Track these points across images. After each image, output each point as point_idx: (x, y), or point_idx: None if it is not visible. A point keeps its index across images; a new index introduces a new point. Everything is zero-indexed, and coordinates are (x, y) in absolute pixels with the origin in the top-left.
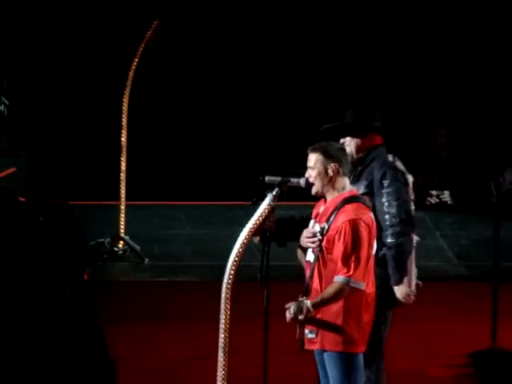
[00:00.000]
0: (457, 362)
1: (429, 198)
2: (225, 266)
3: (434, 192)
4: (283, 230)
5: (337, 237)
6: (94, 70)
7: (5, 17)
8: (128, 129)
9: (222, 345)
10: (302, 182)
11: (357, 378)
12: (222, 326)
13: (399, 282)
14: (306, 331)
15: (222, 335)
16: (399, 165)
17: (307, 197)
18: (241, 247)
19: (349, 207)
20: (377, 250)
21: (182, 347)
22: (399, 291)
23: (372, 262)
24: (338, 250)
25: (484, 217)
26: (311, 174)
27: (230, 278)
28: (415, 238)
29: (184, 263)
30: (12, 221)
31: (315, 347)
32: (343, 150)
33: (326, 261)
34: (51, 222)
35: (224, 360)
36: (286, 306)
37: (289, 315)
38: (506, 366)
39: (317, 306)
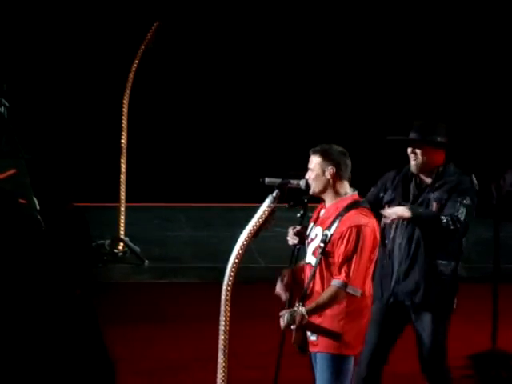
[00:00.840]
0: (457, 363)
1: None
2: (225, 268)
3: None
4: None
5: (340, 241)
6: (94, 71)
7: (5, 19)
8: (128, 131)
9: (222, 347)
10: (301, 183)
11: (344, 382)
12: (221, 327)
13: (417, 214)
14: (308, 333)
15: (221, 337)
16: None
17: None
18: (241, 249)
19: (353, 213)
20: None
21: (181, 349)
22: (400, 210)
23: (373, 266)
24: (339, 253)
25: (484, 218)
26: (310, 175)
27: (229, 280)
28: None
29: (184, 265)
30: (11, 223)
31: (316, 349)
32: (344, 153)
33: (329, 264)
34: (64, 226)
35: (224, 362)
36: (280, 313)
37: (282, 323)
38: (506, 367)
39: (312, 312)
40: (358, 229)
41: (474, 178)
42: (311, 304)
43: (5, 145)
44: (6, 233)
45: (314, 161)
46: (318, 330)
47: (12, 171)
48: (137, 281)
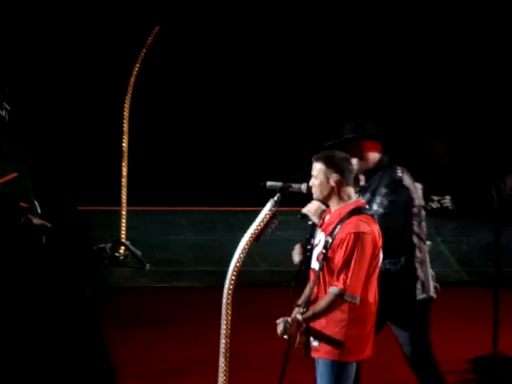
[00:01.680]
0: (458, 367)
1: (430, 203)
2: (226, 272)
3: (435, 197)
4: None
5: (339, 247)
6: (95, 75)
7: (7, 22)
8: (129, 134)
9: (223, 350)
10: (303, 187)
11: None
12: (222, 331)
13: None
14: (311, 339)
15: (222, 340)
16: (406, 180)
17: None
18: (242, 253)
19: (354, 219)
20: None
21: (182, 352)
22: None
23: (376, 272)
24: (338, 259)
25: (485, 222)
26: (314, 182)
27: (231, 284)
28: (428, 243)
29: (185, 269)
30: (13, 226)
31: (317, 355)
32: (347, 159)
33: (331, 270)
34: (66, 229)
35: (225, 365)
36: (277, 321)
37: (278, 331)
38: (507, 371)
39: (308, 319)
40: (357, 235)
41: (399, 171)
42: (308, 311)
43: (6, 148)
44: (7, 236)
45: (318, 168)
46: (320, 336)
47: (13, 175)
48: (138, 284)
